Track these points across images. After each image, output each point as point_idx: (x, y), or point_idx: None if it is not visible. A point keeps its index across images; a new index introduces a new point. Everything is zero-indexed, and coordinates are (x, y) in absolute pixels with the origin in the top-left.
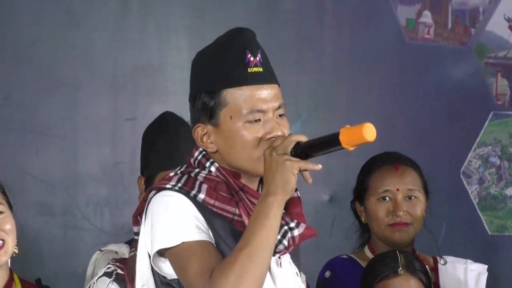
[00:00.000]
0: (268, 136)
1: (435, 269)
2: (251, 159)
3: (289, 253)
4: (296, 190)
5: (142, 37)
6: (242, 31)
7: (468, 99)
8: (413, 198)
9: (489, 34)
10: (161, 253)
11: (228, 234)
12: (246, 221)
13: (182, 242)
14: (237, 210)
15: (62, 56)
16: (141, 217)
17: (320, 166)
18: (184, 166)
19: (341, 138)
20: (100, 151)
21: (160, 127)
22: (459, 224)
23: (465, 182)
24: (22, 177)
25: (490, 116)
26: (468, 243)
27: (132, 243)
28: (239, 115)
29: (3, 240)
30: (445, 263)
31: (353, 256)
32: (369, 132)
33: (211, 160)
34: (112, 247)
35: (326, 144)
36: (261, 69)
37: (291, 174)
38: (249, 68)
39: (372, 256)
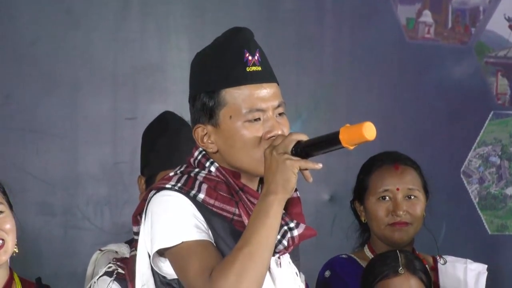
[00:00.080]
0: (268, 135)
1: (434, 269)
2: (252, 159)
3: (289, 253)
4: (296, 190)
5: (142, 36)
6: (240, 30)
7: (468, 98)
8: (413, 197)
9: (489, 34)
10: (161, 253)
11: (228, 234)
12: (246, 221)
13: (182, 242)
14: (237, 210)
15: (62, 55)
16: (141, 217)
17: (320, 165)
18: (184, 166)
19: (341, 137)
20: (100, 151)
21: (160, 126)
22: (459, 224)
23: (465, 182)
24: (22, 176)
25: (490, 115)
26: (468, 242)
27: (132, 243)
28: (238, 115)
29: (3, 239)
30: (445, 262)
31: (352, 255)
32: (369, 131)
33: (211, 160)
34: (112, 246)
35: (326, 143)
36: (259, 68)
37: (291, 173)
38: (247, 68)
39: (372, 256)
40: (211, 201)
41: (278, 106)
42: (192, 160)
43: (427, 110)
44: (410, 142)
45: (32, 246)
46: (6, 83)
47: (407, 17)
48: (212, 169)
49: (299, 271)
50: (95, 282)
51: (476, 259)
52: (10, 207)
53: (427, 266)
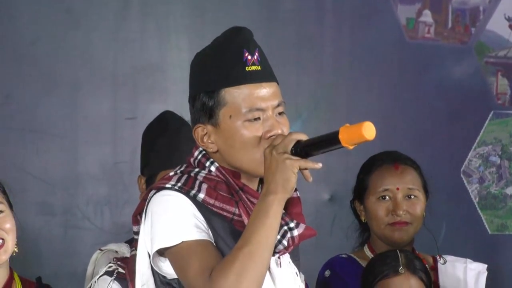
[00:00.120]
0: (268, 135)
1: (434, 269)
2: (252, 159)
3: (289, 253)
4: (295, 190)
5: (142, 36)
6: (239, 30)
7: (468, 98)
8: (413, 197)
9: (490, 33)
10: (161, 252)
11: (228, 234)
12: (246, 221)
13: (182, 242)
14: (237, 210)
15: (62, 55)
16: (140, 217)
17: (320, 165)
18: (184, 165)
19: (340, 136)
20: (100, 151)
21: (160, 126)
22: (460, 224)
23: (465, 181)
24: (22, 176)
25: (490, 115)
26: (469, 242)
27: (132, 243)
28: (238, 114)
29: (3, 239)
30: (445, 262)
31: (352, 255)
32: (369, 130)
33: (211, 159)
34: (112, 246)
35: (326, 142)
36: (259, 68)
37: (291, 172)
38: (247, 67)
39: (372, 256)
40: (211, 201)
41: (278, 105)
42: (192, 160)
43: (427, 110)
44: (410, 142)
45: (32, 246)
46: (6, 83)
47: (407, 17)
48: (212, 169)
49: (299, 271)
50: (95, 281)
51: (476, 258)
52: (10, 206)
53: (427, 265)
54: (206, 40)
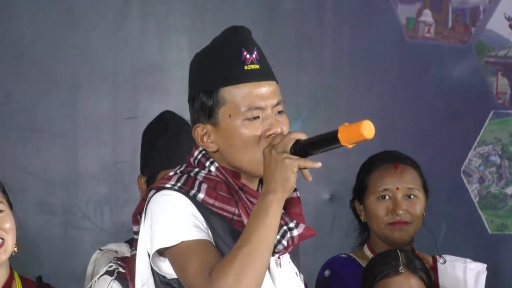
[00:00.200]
0: (268, 133)
1: (434, 268)
2: (252, 158)
3: (289, 253)
4: (295, 190)
5: (142, 36)
6: (237, 29)
7: (469, 98)
8: (412, 197)
9: (490, 33)
10: (161, 252)
11: (227, 234)
12: (245, 221)
13: (182, 241)
14: (237, 210)
15: (62, 55)
16: (140, 216)
17: (319, 164)
18: (184, 165)
19: (340, 135)
20: (100, 150)
21: (160, 126)
22: (460, 223)
23: (465, 181)
24: (22, 175)
25: (490, 115)
26: (469, 242)
27: (132, 242)
28: (237, 113)
29: (2, 238)
30: (444, 262)
31: (352, 255)
32: (368, 129)
33: (211, 159)
34: (112, 246)
35: (325, 141)
36: (258, 66)
37: (290, 172)
38: (245, 66)
39: (372, 255)
40: (211, 201)
41: (277, 104)
42: (192, 159)
43: (427, 109)
44: (410, 142)
45: (32, 246)
46: (6, 82)
47: (407, 16)
48: (212, 168)
49: (299, 271)
50: (96, 281)
51: (476, 258)
52: (10, 206)
53: (426, 265)
54: (206, 39)
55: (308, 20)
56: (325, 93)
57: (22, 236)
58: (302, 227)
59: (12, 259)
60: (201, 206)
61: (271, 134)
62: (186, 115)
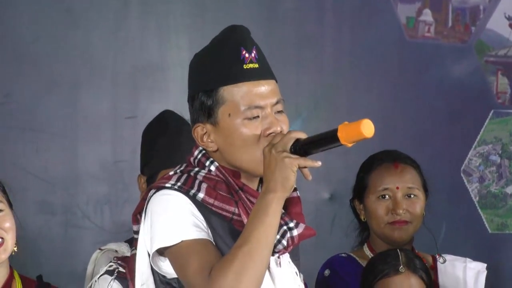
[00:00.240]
0: (267, 132)
1: (434, 268)
2: (252, 158)
3: (289, 252)
4: (296, 189)
5: (142, 35)
6: (235, 28)
7: (469, 97)
8: (412, 196)
9: (490, 32)
10: (161, 252)
11: (227, 234)
12: (245, 220)
13: (182, 241)
14: (237, 209)
15: (62, 54)
16: (140, 216)
17: (319, 163)
18: (184, 165)
19: (339, 134)
20: (100, 150)
21: (160, 125)
22: (460, 223)
23: (465, 181)
24: (22, 175)
25: (490, 114)
26: (469, 241)
27: (132, 242)
28: (237, 112)
29: (2, 238)
30: (444, 261)
31: (352, 254)
32: (367, 128)
33: (211, 159)
34: (112, 245)
35: (325, 140)
36: (256, 65)
37: (290, 171)
38: (244, 65)
39: (371, 255)
40: (211, 201)
41: (277, 103)
42: (192, 159)
43: (427, 109)
44: (410, 142)
45: (32, 245)
46: (6, 82)
47: (407, 16)
48: (212, 168)
49: (299, 271)
50: (96, 281)
51: (477, 258)
52: (10, 205)
53: (426, 265)
54: (206, 39)
55: (308, 20)
56: (325, 93)
57: (22, 236)
58: (302, 227)
59: (12, 258)
60: (201, 206)
61: (270, 133)
62: (186, 114)
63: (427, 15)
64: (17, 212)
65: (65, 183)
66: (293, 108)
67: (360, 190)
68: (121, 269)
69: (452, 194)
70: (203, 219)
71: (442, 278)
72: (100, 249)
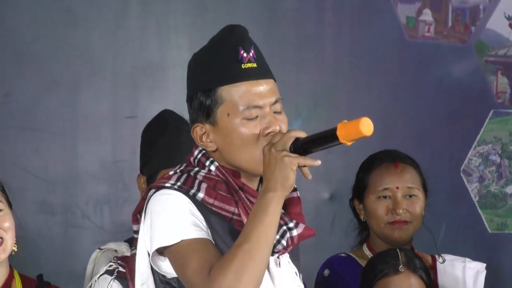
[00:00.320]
0: (266, 131)
1: (433, 268)
2: (251, 157)
3: (288, 252)
4: (296, 189)
5: (142, 35)
6: (233, 28)
7: (468, 97)
8: (412, 196)
9: (490, 32)
10: (161, 251)
11: (227, 233)
12: (245, 220)
13: (181, 240)
14: (236, 209)
15: (62, 54)
16: (140, 216)
17: (319, 162)
18: (184, 164)
19: (338, 133)
20: (100, 149)
21: (159, 125)
22: (459, 223)
23: (465, 180)
24: (22, 175)
25: (490, 114)
26: (468, 241)
27: (132, 242)
28: (236, 112)
29: (1, 237)
30: (444, 261)
31: (351, 254)
32: (366, 126)
33: (211, 159)
34: (112, 245)
35: (324, 139)
36: (255, 65)
37: (290, 170)
38: (243, 64)
39: (371, 255)
40: (210, 200)
41: (275, 102)
42: (192, 159)
43: (427, 109)
44: (410, 141)
45: (32, 245)
46: (6, 81)
47: (407, 15)
48: (212, 168)
49: (299, 271)
50: (96, 280)
51: (476, 257)
52: (9, 205)
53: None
54: (206, 39)
55: (308, 20)
56: (325, 93)
57: (22, 236)
58: (301, 227)
59: (12, 258)
60: (200, 206)
61: (269, 132)
62: (186, 114)
63: (427, 15)
64: (17, 212)
65: (65, 183)
66: (293, 108)
67: (360, 190)
68: (121, 268)
69: (452, 194)
70: (202, 218)
71: (441, 278)
72: (99, 248)
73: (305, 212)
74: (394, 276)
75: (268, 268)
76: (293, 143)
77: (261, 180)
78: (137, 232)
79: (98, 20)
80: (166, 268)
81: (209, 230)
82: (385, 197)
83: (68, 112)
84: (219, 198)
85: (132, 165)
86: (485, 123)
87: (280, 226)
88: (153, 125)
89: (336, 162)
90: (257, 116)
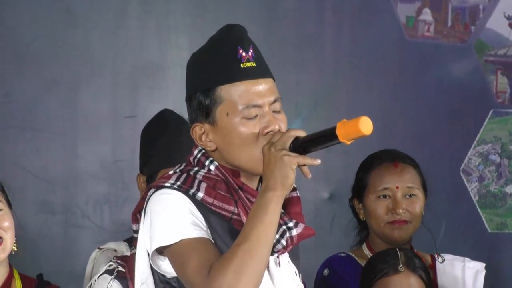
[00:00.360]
0: (266, 131)
1: (433, 267)
2: (251, 156)
3: (288, 252)
4: (296, 189)
5: (142, 35)
6: (232, 27)
7: (468, 96)
8: (412, 196)
9: (489, 32)
10: (160, 251)
11: (226, 233)
12: (245, 220)
13: (181, 240)
14: (236, 209)
15: (62, 54)
16: (140, 215)
17: (319, 161)
18: (184, 164)
19: (338, 132)
20: (100, 149)
21: (159, 124)
22: (459, 222)
23: (465, 180)
24: (22, 174)
25: (490, 113)
26: (468, 241)
27: (132, 241)
28: (235, 111)
29: (1, 237)
30: (443, 261)
31: (351, 254)
32: (366, 125)
33: (211, 158)
34: (111, 245)
35: (324, 138)
36: (254, 64)
37: (289, 169)
38: (241, 64)
39: (370, 254)
40: (210, 200)
41: (275, 101)
42: (191, 158)
43: (427, 108)
44: (410, 141)
45: (32, 245)
46: (6, 81)
47: (407, 15)
48: (212, 167)
49: (299, 271)
50: (96, 280)
51: (476, 257)
52: (9, 205)
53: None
54: (206, 39)
55: (308, 20)
56: (325, 93)
57: (22, 236)
58: (301, 226)
59: (12, 258)
60: (200, 205)
61: (269, 132)
62: (186, 114)
63: (427, 15)
64: (17, 211)
65: (65, 182)
66: (293, 107)
67: (359, 190)
68: (120, 268)
69: (452, 193)
70: (202, 218)
71: (441, 278)
72: (99, 248)
73: (305, 212)
74: (393, 276)
75: (267, 267)
76: (292, 142)
77: (260, 180)
78: (136, 231)
79: (98, 20)
80: (166, 267)
81: (208, 230)
82: (384, 196)
83: (68, 112)
84: (219, 198)
85: (132, 165)
86: (485, 123)
87: (279, 225)
88: (153, 124)
89: (336, 161)
90: (256, 115)
